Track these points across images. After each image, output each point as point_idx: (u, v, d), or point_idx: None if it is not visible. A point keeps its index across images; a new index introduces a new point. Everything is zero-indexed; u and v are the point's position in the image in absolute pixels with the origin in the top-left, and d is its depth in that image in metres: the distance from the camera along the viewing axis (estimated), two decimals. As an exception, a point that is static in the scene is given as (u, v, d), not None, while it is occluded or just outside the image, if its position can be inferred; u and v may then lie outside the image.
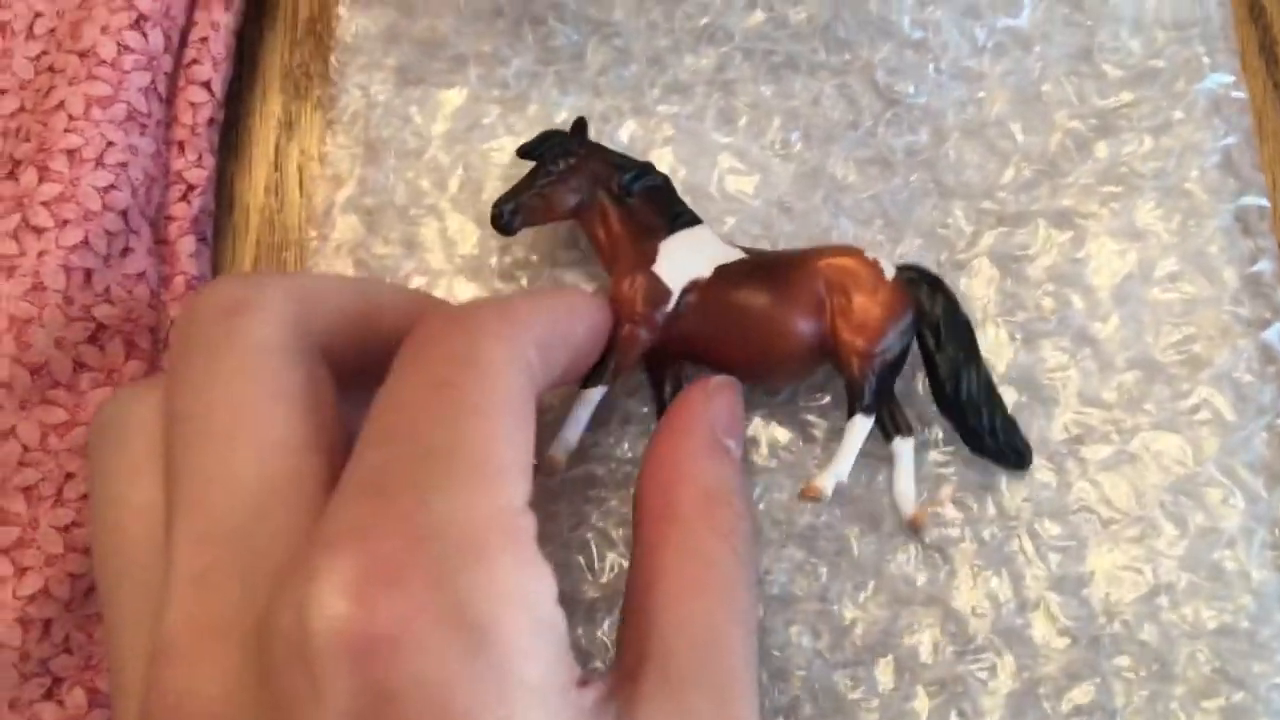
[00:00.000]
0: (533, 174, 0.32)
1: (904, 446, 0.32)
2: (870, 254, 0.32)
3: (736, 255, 0.32)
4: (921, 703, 0.32)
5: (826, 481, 0.31)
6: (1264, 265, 0.35)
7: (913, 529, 0.32)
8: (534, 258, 0.36)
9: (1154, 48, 0.38)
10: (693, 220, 0.33)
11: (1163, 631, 0.32)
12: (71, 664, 0.31)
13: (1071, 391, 0.34)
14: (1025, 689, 0.32)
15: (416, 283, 0.36)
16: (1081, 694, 0.32)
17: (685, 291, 0.31)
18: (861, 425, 0.31)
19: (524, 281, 0.36)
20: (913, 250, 0.36)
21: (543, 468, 0.29)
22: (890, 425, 0.32)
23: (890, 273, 0.32)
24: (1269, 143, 0.40)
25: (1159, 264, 0.35)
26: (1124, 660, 0.32)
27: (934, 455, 0.34)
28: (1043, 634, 0.33)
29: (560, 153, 0.32)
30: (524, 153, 0.33)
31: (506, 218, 0.31)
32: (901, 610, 0.33)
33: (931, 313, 0.32)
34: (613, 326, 0.31)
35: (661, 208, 0.32)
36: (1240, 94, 0.37)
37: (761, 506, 0.34)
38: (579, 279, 0.35)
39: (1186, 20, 0.38)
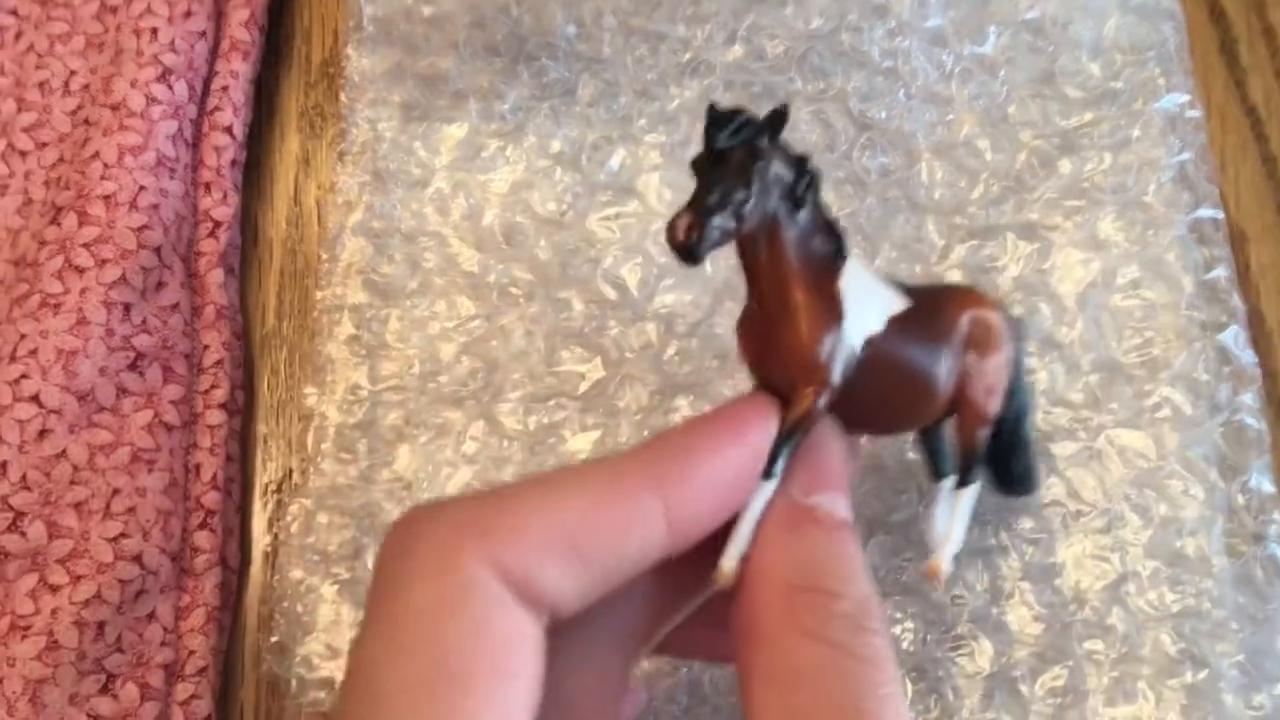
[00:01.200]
0: (728, 177, 0.23)
1: (967, 494, 0.29)
2: (996, 303, 0.29)
3: (896, 298, 0.27)
4: (905, 687, 0.35)
5: (946, 560, 0.28)
6: (1219, 272, 0.38)
7: (929, 577, 0.29)
8: (529, 276, 0.38)
9: (1112, 70, 0.40)
10: (846, 241, 0.26)
11: (1130, 616, 0.35)
12: (124, 662, 0.34)
13: (1039, 392, 0.37)
14: (1001, 673, 0.34)
15: (418, 302, 0.39)
16: (1054, 677, 0.34)
17: (862, 349, 0.25)
18: (975, 492, 0.29)
19: (521, 301, 0.38)
20: (888, 263, 0.38)
21: (719, 577, 0.24)
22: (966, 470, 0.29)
23: (1006, 321, 0.29)
24: (1231, 135, 0.42)
25: (1120, 272, 0.38)
26: (1094, 644, 0.34)
27: (911, 455, 0.36)
28: (1017, 621, 0.35)
29: (760, 151, 0.23)
30: (724, 145, 0.23)
31: (699, 246, 0.22)
32: (884, 601, 0.35)
33: (1018, 358, 0.29)
34: (799, 394, 0.24)
35: (826, 224, 0.25)
36: (1195, 112, 0.40)
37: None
38: (575, 297, 0.38)
39: (1143, 44, 0.40)
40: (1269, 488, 0.36)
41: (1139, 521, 0.35)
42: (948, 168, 0.39)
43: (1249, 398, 0.36)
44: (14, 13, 0.40)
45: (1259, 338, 0.39)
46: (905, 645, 0.35)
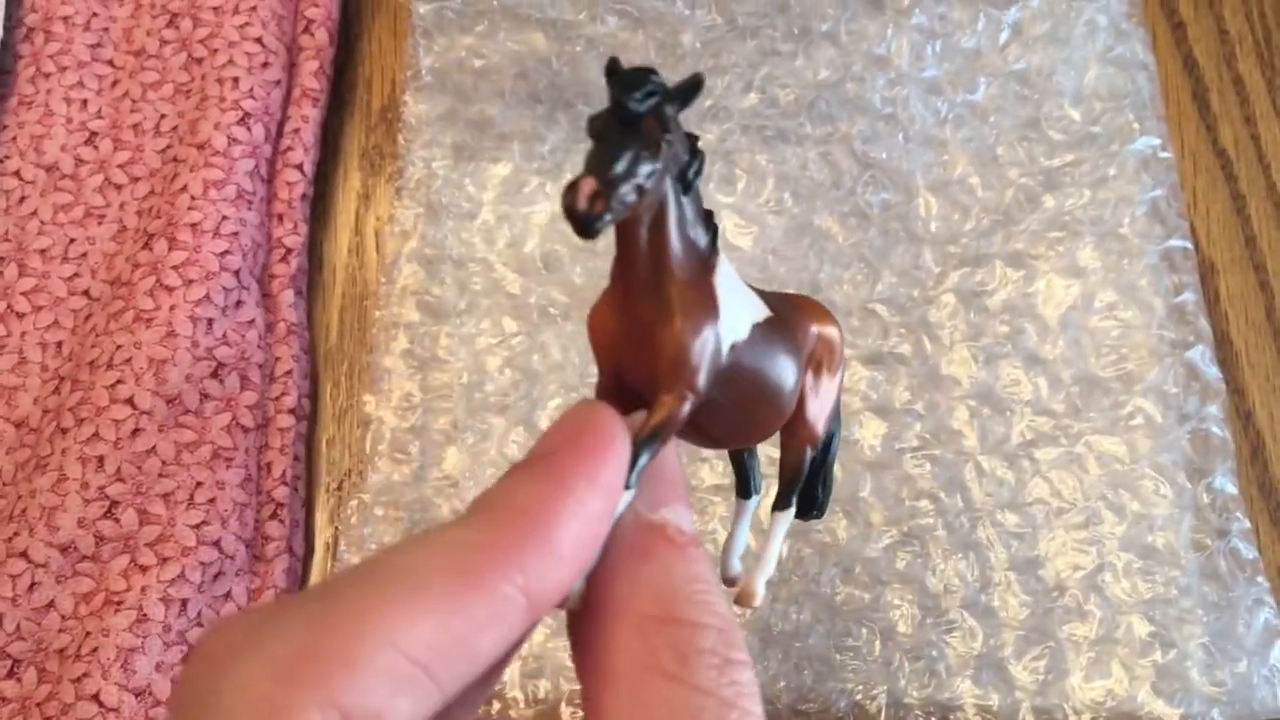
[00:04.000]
0: (635, 145, 0.20)
1: (785, 517, 0.27)
2: (834, 320, 0.27)
3: (759, 305, 0.24)
4: (901, 666, 0.38)
5: (758, 584, 0.26)
6: (1187, 296, 0.42)
7: (743, 604, 0.26)
8: (565, 298, 0.43)
9: (1092, 116, 0.44)
10: (717, 231, 0.24)
11: (1106, 603, 0.38)
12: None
13: (1025, 403, 0.41)
14: (990, 653, 0.38)
15: (466, 320, 0.43)
16: (1037, 657, 0.38)
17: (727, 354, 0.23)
18: (788, 518, 0.27)
19: (558, 320, 0.43)
20: (888, 288, 0.42)
21: (569, 602, 0.22)
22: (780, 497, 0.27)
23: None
24: (1203, 175, 0.46)
25: (1098, 296, 0.42)
26: (1073, 628, 0.38)
27: (909, 458, 0.40)
28: (1004, 607, 0.39)
29: (669, 121, 0.20)
30: (636, 108, 0.20)
31: (600, 219, 0.19)
32: (883, 590, 0.39)
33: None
34: (666, 399, 0.22)
35: (700, 212, 0.23)
36: (1166, 154, 0.44)
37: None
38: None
39: (1119, 92, 0.45)
40: (1232, 489, 0.39)
41: (1114, 518, 0.39)
42: (943, 203, 0.44)
43: (1214, 409, 0.40)
44: (111, 63, 0.45)
45: (1227, 358, 0.43)
46: (902, 628, 0.39)
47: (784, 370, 0.24)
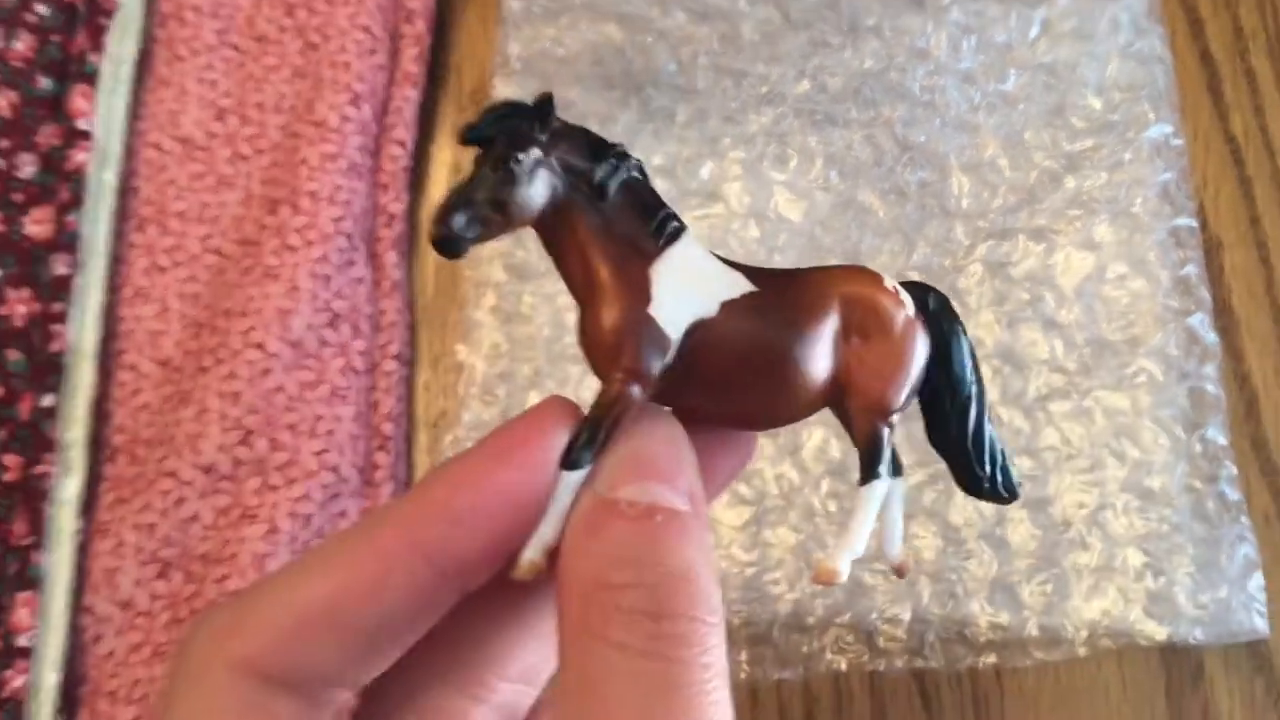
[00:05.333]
0: (489, 169, 0.23)
1: (898, 488, 0.26)
2: (889, 282, 0.26)
3: (740, 281, 0.25)
4: (925, 588, 0.44)
5: (841, 562, 0.25)
6: (1190, 270, 0.47)
7: (899, 575, 0.27)
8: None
9: (1111, 105, 0.49)
10: (678, 229, 0.25)
11: (1106, 536, 0.44)
12: (343, 530, 0.44)
13: (1041, 362, 0.46)
14: (1002, 578, 0.44)
15: (546, 281, 0.49)
16: (1044, 581, 0.43)
17: (687, 335, 0.24)
18: (878, 492, 0.25)
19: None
20: (922, 258, 0.48)
21: (517, 570, 0.23)
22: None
23: (910, 304, 0.26)
24: (1214, 159, 0.51)
25: (1110, 268, 0.47)
26: (1077, 557, 0.44)
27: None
28: (1017, 539, 0.44)
29: (522, 139, 0.23)
30: (473, 137, 0.23)
31: (456, 238, 0.22)
32: (910, 522, 0.45)
33: (945, 344, 0.26)
34: (605, 385, 0.23)
35: (643, 211, 0.24)
36: (1178, 141, 0.49)
37: (804, 453, 0.46)
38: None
39: (1137, 84, 0.49)
40: (1222, 440, 0.45)
41: (1116, 464, 0.44)
42: (974, 182, 0.49)
43: (1210, 369, 0.45)
44: (235, 48, 0.51)
45: (1229, 325, 0.48)
46: (927, 555, 0.44)
47: (770, 340, 0.24)
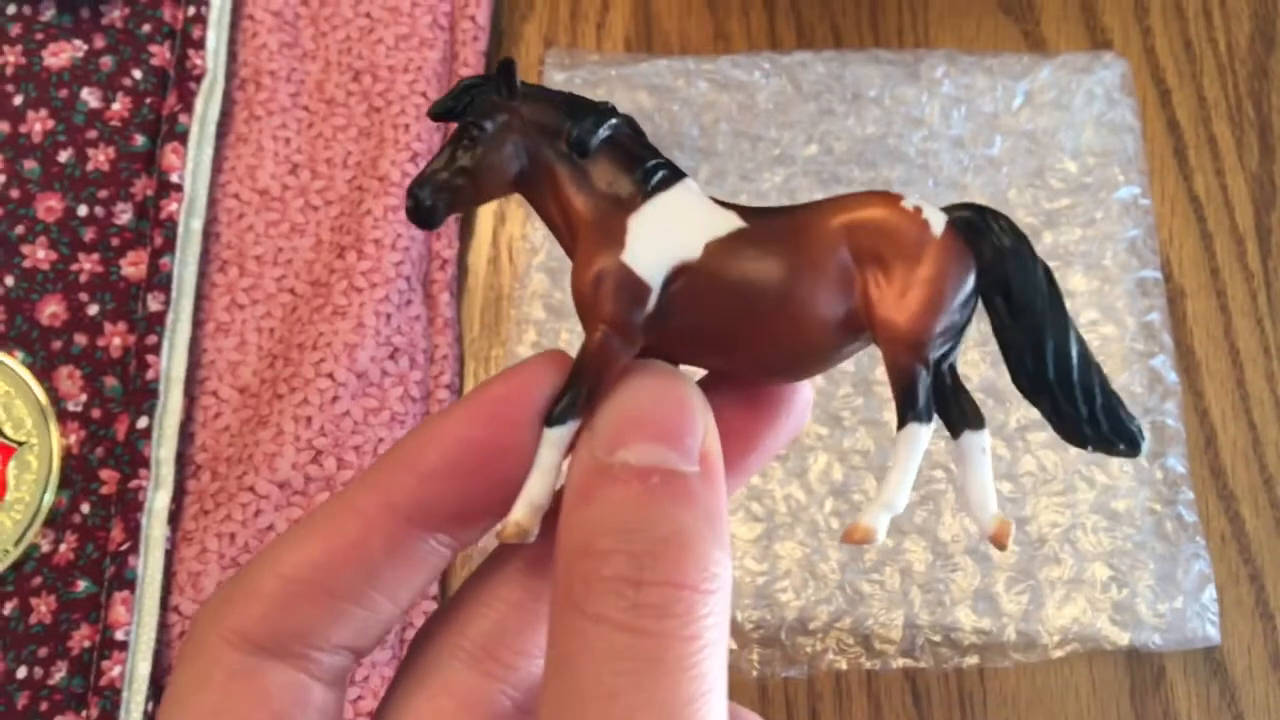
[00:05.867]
0: (454, 141, 0.23)
1: (975, 442, 0.23)
2: (910, 201, 0.24)
3: (730, 220, 0.23)
4: (916, 596, 0.50)
5: (878, 519, 0.23)
6: (1154, 316, 0.53)
7: (997, 545, 0.24)
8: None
9: (1085, 169, 0.55)
10: (671, 176, 0.24)
11: (1077, 552, 0.49)
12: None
13: (1021, 397, 0.52)
14: (984, 588, 0.49)
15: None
16: (1020, 592, 0.49)
17: (670, 280, 0.23)
18: (916, 437, 0.23)
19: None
20: (916, 304, 0.54)
21: (502, 532, 0.22)
22: (957, 415, 0.23)
23: (939, 223, 0.24)
24: (1178, 217, 0.57)
25: (1083, 314, 0.53)
26: (1050, 571, 0.49)
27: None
28: (998, 554, 0.50)
29: (487, 108, 0.23)
30: (441, 113, 0.24)
31: (427, 205, 0.23)
32: (904, 538, 0.50)
33: (1000, 266, 0.23)
34: (588, 337, 0.23)
35: (629, 164, 0.24)
36: (1145, 201, 0.55)
37: (809, 475, 0.52)
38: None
39: (1109, 151, 0.56)
40: (1180, 469, 0.50)
41: (1086, 488, 0.50)
42: (962, 236, 0.55)
43: (1170, 405, 0.51)
44: (307, 109, 0.58)
45: (1190, 366, 0.54)
46: (918, 568, 0.50)
47: (768, 278, 0.22)
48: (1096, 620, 0.48)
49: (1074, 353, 0.23)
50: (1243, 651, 0.49)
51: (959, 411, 0.23)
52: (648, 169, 0.24)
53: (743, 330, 0.23)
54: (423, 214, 0.23)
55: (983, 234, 0.23)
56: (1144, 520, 0.49)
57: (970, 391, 0.24)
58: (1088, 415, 0.24)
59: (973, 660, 0.49)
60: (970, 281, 0.23)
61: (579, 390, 0.22)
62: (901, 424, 0.23)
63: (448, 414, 0.23)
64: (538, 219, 0.57)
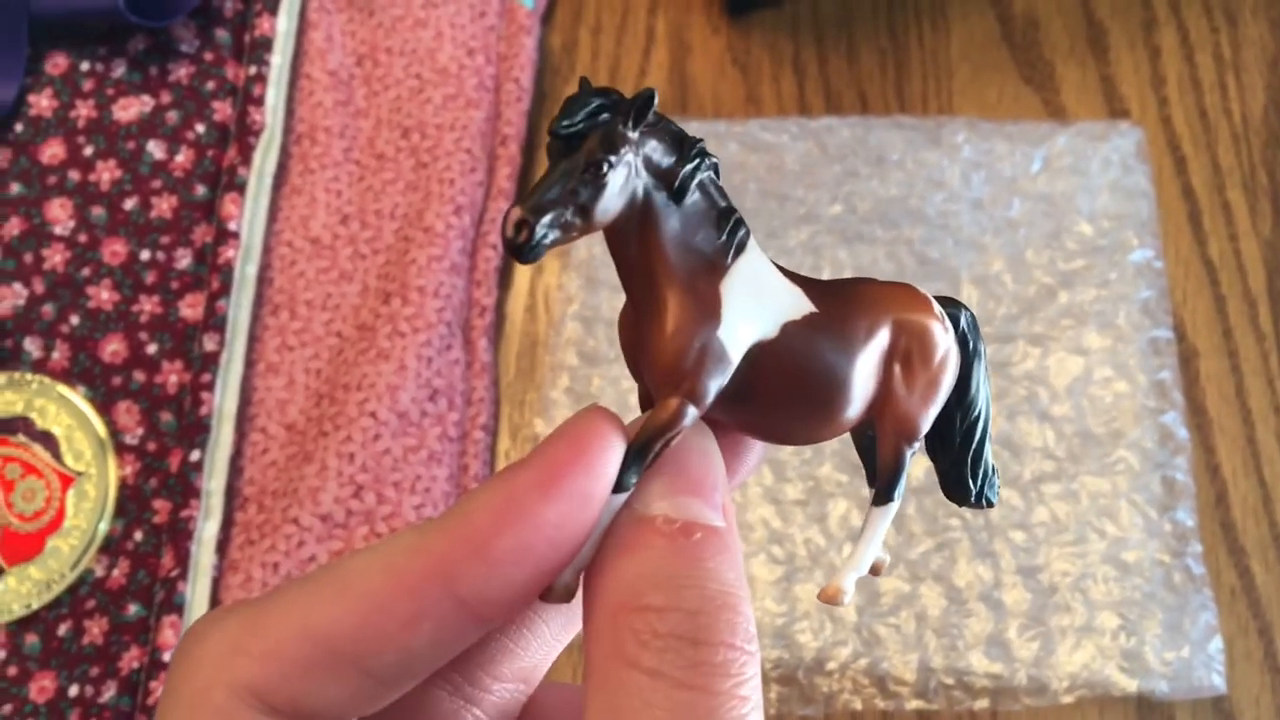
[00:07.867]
0: (571, 171, 0.21)
1: (883, 513, 0.26)
2: (936, 304, 0.26)
3: (801, 300, 0.24)
4: (931, 640, 0.51)
5: (847, 580, 0.25)
6: (1165, 374, 0.54)
7: (825, 601, 0.26)
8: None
9: (1100, 231, 0.58)
10: (746, 236, 0.23)
11: (1087, 600, 0.51)
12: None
13: (1036, 449, 0.54)
14: (997, 634, 0.51)
15: (612, 367, 0.57)
16: (1033, 638, 0.51)
17: (746, 356, 0.23)
18: (889, 513, 0.26)
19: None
20: (934, 358, 0.56)
21: (551, 595, 0.22)
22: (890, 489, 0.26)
23: (952, 331, 0.26)
24: (1192, 280, 0.59)
25: (1097, 371, 0.55)
26: (1061, 619, 0.51)
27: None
28: (1011, 601, 0.51)
29: (615, 140, 0.21)
30: (572, 135, 0.21)
31: (535, 244, 0.21)
32: (919, 584, 0.52)
33: (968, 366, 0.26)
34: (661, 406, 0.22)
35: (713, 213, 0.23)
36: (1158, 264, 0.57)
37: (829, 522, 0.53)
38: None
39: (1123, 214, 0.58)
40: (1190, 522, 0.52)
41: (1098, 539, 0.52)
42: (981, 293, 0.57)
43: (1180, 460, 0.53)
44: (358, 163, 0.61)
45: (1203, 423, 0.56)
46: (933, 613, 0.52)
47: (828, 367, 0.23)
48: (1106, 667, 0.50)
49: (988, 441, 0.27)
50: (1251, 703, 0.50)
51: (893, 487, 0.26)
52: (732, 226, 0.23)
53: (786, 406, 0.23)
54: (529, 250, 0.21)
55: (966, 340, 0.26)
56: (1153, 571, 0.51)
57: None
58: (977, 488, 0.27)
59: (984, 703, 0.50)
60: (954, 381, 0.26)
61: (645, 459, 0.22)
62: (882, 501, 0.25)
63: (516, 485, 0.21)
64: (573, 269, 0.60)
